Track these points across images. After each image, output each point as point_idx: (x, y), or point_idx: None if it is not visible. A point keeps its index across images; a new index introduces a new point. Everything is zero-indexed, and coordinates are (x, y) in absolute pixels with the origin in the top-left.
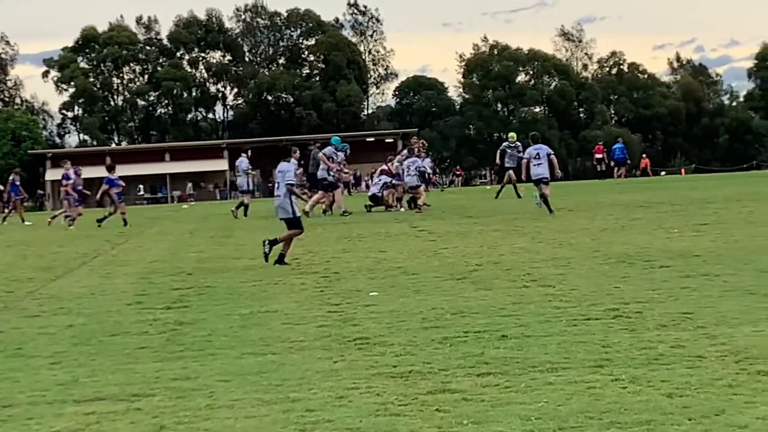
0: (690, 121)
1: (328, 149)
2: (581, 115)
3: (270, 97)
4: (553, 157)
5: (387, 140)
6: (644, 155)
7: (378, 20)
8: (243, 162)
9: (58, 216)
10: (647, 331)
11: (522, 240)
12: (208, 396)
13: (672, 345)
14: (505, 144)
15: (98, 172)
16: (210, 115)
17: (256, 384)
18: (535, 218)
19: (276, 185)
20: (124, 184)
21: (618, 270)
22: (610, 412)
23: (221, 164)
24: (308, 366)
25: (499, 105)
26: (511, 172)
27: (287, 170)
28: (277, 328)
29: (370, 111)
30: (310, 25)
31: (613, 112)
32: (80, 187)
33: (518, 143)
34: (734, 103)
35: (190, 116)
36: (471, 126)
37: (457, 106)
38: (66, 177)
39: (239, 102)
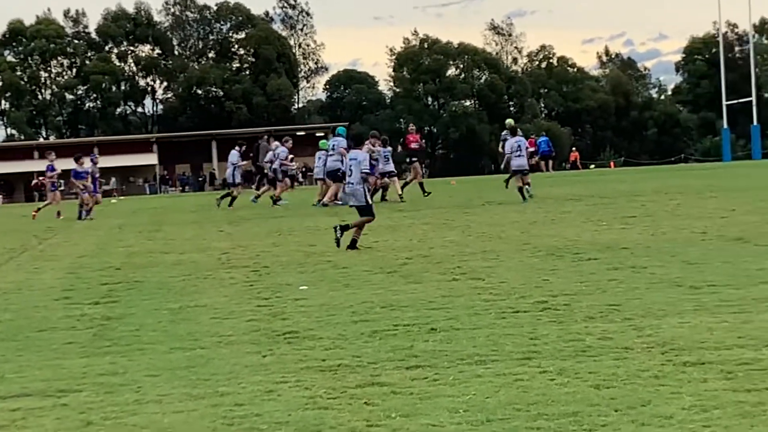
0: (619, 114)
1: (341, 140)
2: (511, 108)
3: (200, 91)
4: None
5: (318, 134)
6: (574, 148)
7: (308, 14)
8: (234, 155)
9: (44, 208)
10: (575, 323)
11: (452, 233)
12: (136, 391)
13: (599, 337)
14: (504, 132)
15: (30, 166)
16: (139, 109)
17: (185, 379)
18: (465, 212)
19: (349, 172)
20: (89, 175)
21: (547, 263)
22: (538, 404)
23: (151, 158)
24: (237, 360)
25: (430, 99)
26: None
27: (363, 159)
28: (206, 322)
29: (300, 105)
30: (240, 18)
31: (543, 105)
32: (98, 176)
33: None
34: (662, 97)
35: (119, 110)
36: (402, 120)
37: (388, 100)
38: (50, 168)
39: (169, 96)
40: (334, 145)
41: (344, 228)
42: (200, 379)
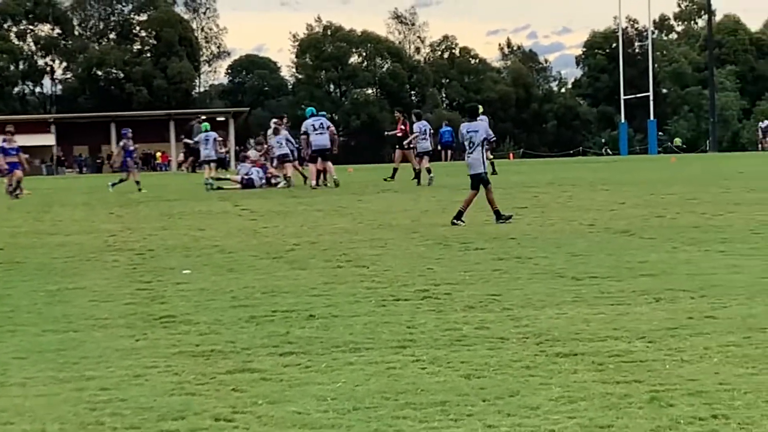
0: (519, 106)
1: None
2: (413, 98)
3: (100, 72)
4: None
5: (219, 119)
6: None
7: None
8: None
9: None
10: (454, 312)
11: (343, 220)
12: (1, 374)
13: (476, 326)
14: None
15: None
16: (38, 89)
17: (53, 362)
18: (358, 199)
19: (470, 144)
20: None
21: (434, 251)
22: (407, 393)
23: (48, 139)
24: (109, 344)
25: (332, 86)
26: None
27: (483, 129)
28: (83, 305)
29: (202, 89)
30: (142, 0)
31: (444, 95)
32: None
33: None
34: (563, 90)
35: (16, 90)
36: (303, 106)
37: (290, 86)
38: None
39: (68, 76)
40: (322, 123)
41: (459, 216)
42: (69, 363)
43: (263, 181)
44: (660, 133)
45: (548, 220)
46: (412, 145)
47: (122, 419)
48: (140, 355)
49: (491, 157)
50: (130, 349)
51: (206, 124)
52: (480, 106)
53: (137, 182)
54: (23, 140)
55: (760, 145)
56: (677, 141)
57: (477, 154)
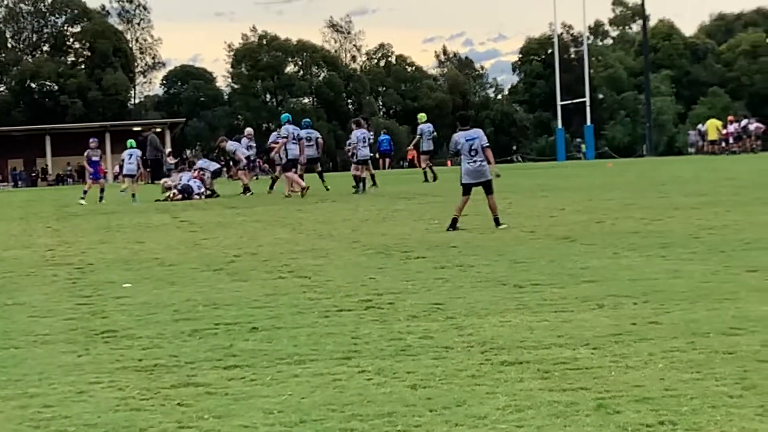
0: (457, 113)
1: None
2: (350, 106)
3: (34, 85)
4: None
5: (155, 130)
6: (411, 147)
7: (145, 8)
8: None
9: None
10: (398, 322)
11: (283, 231)
12: None
13: (421, 336)
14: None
15: None
16: None
17: None
18: (298, 209)
19: (474, 151)
20: None
21: (375, 261)
22: (353, 405)
23: None
24: (51, 360)
25: (268, 95)
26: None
27: (481, 135)
28: (23, 321)
29: (137, 100)
30: (76, 11)
31: (381, 103)
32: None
33: (430, 125)
34: (499, 96)
35: None
36: (239, 116)
37: (226, 96)
38: None
39: (1, 89)
40: (293, 133)
41: (497, 222)
42: (10, 380)
43: (201, 190)
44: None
45: (489, 227)
46: (350, 154)
47: None
48: (83, 371)
49: (430, 164)
50: (73, 365)
51: (131, 140)
52: (424, 114)
53: (101, 191)
54: None
55: (693, 149)
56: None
57: (483, 160)
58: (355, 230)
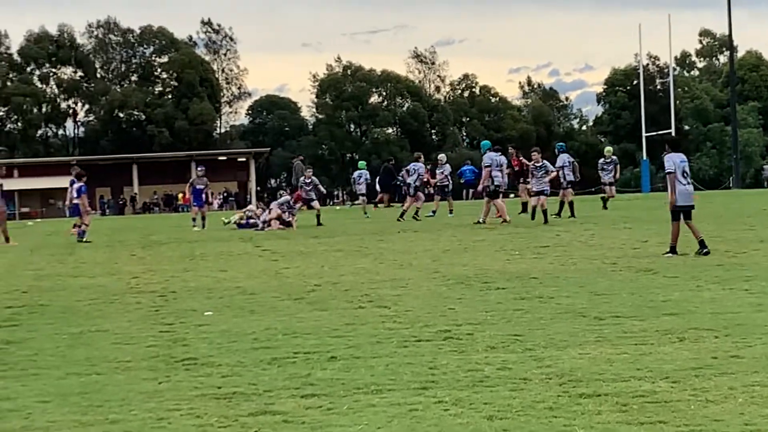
0: (540, 144)
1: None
2: (433, 137)
3: (122, 114)
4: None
5: (240, 159)
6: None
7: (232, 39)
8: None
9: None
10: (476, 353)
11: (364, 261)
12: (25, 417)
13: (498, 367)
14: (600, 161)
15: None
16: (60, 132)
17: (76, 405)
18: (379, 239)
19: (684, 174)
20: None
21: (455, 291)
22: None
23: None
24: (132, 387)
25: (352, 125)
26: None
27: (681, 161)
28: (106, 347)
29: (223, 130)
30: (163, 42)
31: (465, 134)
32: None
33: (614, 157)
34: (584, 127)
35: (39, 132)
36: (324, 146)
37: (310, 126)
38: None
39: (90, 119)
40: (497, 160)
41: (703, 247)
42: (92, 406)
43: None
44: None
45: (570, 259)
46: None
47: None
48: (163, 398)
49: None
50: (153, 392)
51: (362, 162)
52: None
53: (203, 218)
54: (46, 182)
55: None
56: None
57: (689, 185)
58: (436, 260)
